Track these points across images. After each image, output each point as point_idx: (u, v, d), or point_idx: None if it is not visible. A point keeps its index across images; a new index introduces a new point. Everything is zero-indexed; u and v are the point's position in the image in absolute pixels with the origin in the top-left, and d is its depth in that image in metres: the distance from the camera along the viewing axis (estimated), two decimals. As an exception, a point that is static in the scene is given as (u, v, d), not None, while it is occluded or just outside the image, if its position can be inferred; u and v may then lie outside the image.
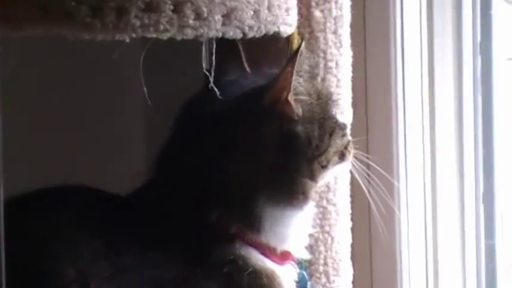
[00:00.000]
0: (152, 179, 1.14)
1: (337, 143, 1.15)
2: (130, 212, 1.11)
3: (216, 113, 1.13)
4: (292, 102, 1.11)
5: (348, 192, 1.36)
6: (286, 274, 1.15)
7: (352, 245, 1.37)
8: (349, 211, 1.37)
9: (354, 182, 1.33)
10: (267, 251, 1.13)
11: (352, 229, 1.36)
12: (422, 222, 1.53)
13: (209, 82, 1.11)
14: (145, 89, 1.08)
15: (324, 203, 1.31)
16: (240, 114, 1.12)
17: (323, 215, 1.32)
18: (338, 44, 1.31)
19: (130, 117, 1.66)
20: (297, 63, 1.10)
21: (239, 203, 1.11)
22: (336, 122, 1.16)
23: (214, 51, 1.12)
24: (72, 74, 1.66)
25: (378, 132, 1.52)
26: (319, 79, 1.30)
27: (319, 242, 1.31)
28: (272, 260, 1.13)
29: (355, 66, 1.36)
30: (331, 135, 1.14)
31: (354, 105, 1.37)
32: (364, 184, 1.20)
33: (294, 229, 1.14)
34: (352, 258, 1.37)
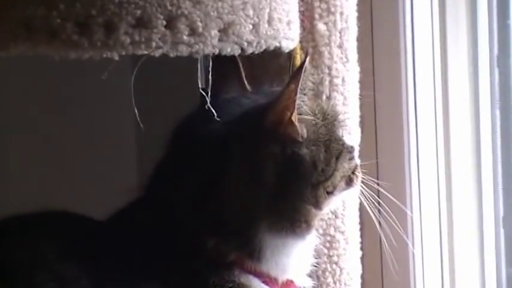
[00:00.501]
0: (143, 202, 1.13)
1: (344, 166, 1.14)
2: (118, 239, 1.09)
3: (213, 135, 1.11)
4: (296, 123, 1.10)
5: (357, 219, 1.35)
6: None
7: (363, 276, 1.36)
8: (359, 239, 1.35)
9: (363, 208, 1.32)
10: (268, 280, 1.11)
11: (362, 259, 1.35)
12: (438, 253, 1.51)
13: (206, 102, 1.10)
14: (136, 110, 1.07)
15: (332, 230, 1.30)
16: (238, 136, 1.10)
17: (330, 243, 1.31)
18: (344, 59, 1.31)
19: (121, 139, 1.69)
20: (301, 80, 1.08)
21: (238, 230, 1.09)
22: (343, 144, 1.15)
23: (210, 68, 1.11)
24: (59, 95, 1.73)
25: (388, 154, 1.51)
26: (324, 97, 1.29)
27: (327, 273, 1.30)
28: None
29: (362, 82, 1.35)
30: (337, 158, 1.13)
31: (362, 125, 1.36)
32: (373, 213, 1.19)
33: (295, 258, 1.13)
34: (363, 289, 1.37)
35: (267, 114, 1.10)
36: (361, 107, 1.35)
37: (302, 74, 1.08)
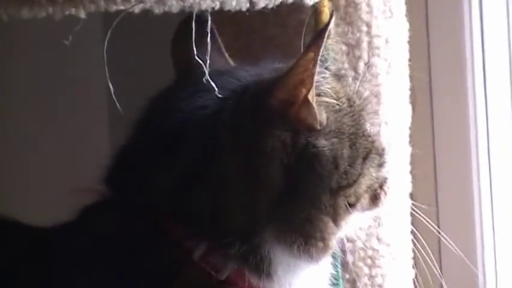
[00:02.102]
0: (101, 202, 1.10)
1: (371, 173, 1.08)
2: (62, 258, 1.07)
3: (200, 114, 1.07)
4: (315, 105, 1.04)
5: (408, 227, 1.30)
6: None
7: None
8: (411, 254, 1.31)
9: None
10: None
11: (415, 280, 1.32)
12: None
13: (191, 72, 1.08)
14: (110, 84, 1.05)
15: (374, 242, 1.28)
16: (234, 118, 1.05)
17: (372, 260, 1.28)
18: (388, 13, 1.28)
19: (93, 114, 1.73)
20: (323, 47, 1.01)
21: (237, 235, 1.04)
22: (373, 142, 1.09)
23: (208, 29, 1.08)
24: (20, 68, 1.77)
25: (450, 141, 1.49)
26: (362, 63, 1.26)
27: None
28: None
29: (413, 45, 1.32)
30: (365, 159, 1.07)
31: (414, 101, 1.34)
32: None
33: (309, 281, 1.10)
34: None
35: (275, 90, 1.04)
36: (412, 77, 1.32)
37: (325, 38, 1.02)
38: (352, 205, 1.07)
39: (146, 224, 1.05)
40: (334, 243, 1.07)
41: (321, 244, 1.05)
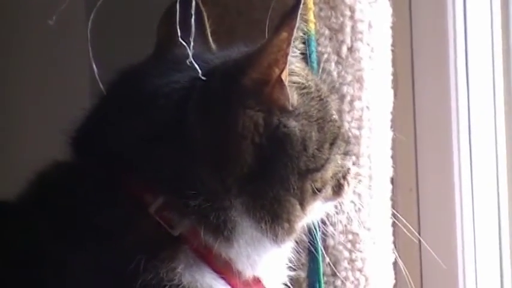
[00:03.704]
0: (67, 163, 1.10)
1: (337, 160, 1.09)
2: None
3: (171, 87, 1.06)
4: (287, 85, 1.04)
5: (389, 211, 1.31)
6: None
7: (396, 287, 1.34)
8: (391, 238, 1.32)
9: (396, 195, 1.35)
10: (229, 275, 1.06)
11: (395, 264, 1.32)
12: (497, 252, 1.48)
13: (168, 52, 1.09)
14: (94, 66, 1.06)
15: (355, 226, 1.27)
16: (205, 95, 1.04)
17: (353, 244, 1.28)
18: None
19: (75, 94, 1.67)
20: (296, 27, 1.01)
21: (201, 193, 1.03)
22: (340, 128, 1.11)
23: (193, 11, 1.06)
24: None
25: (429, 125, 1.49)
26: (345, 48, 1.26)
27: (348, 284, 1.27)
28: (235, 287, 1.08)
29: (396, 30, 1.32)
30: (332, 144, 1.08)
31: (396, 86, 1.34)
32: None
33: (268, 263, 1.10)
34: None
35: (248, 69, 1.03)
36: (394, 62, 1.32)
37: (297, 18, 1.01)
38: (318, 190, 1.06)
39: (108, 180, 1.04)
40: (299, 226, 1.08)
41: (286, 225, 1.05)
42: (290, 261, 1.15)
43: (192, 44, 1.05)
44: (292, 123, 1.05)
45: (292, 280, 1.17)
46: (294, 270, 1.17)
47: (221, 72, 1.05)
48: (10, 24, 1.75)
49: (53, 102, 1.76)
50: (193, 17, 1.06)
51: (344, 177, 1.11)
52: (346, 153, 1.12)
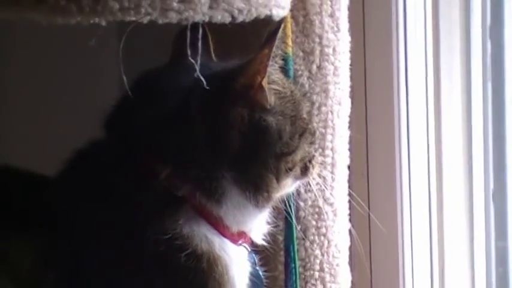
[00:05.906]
0: (99, 141, 1.16)
1: (304, 148, 1.18)
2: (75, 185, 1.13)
3: (180, 85, 1.14)
4: (267, 89, 1.13)
5: (346, 191, 1.36)
6: (237, 255, 1.16)
7: (351, 249, 1.37)
8: (347, 211, 1.37)
9: (352, 178, 1.39)
10: (221, 227, 1.15)
11: (350, 231, 1.36)
12: (427, 223, 1.54)
13: (179, 62, 1.14)
14: (125, 78, 1.09)
15: (320, 202, 1.32)
16: (206, 93, 1.12)
17: (319, 215, 1.32)
18: (335, 28, 1.32)
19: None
20: (274, 46, 1.11)
21: (199, 164, 1.11)
22: (308, 124, 1.19)
23: (200, 36, 1.11)
24: (46, 62, 1.74)
25: (378, 126, 1.52)
26: (314, 66, 1.31)
27: (315, 245, 1.32)
28: (224, 236, 1.15)
29: (353, 52, 1.36)
30: (301, 136, 1.17)
31: (352, 96, 1.38)
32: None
33: (251, 222, 1.18)
34: (351, 262, 1.38)
35: (238, 76, 1.13)
36: (352, 77, 1.36)
37: (276, 39, 1.11)
38: (289, 169, 1.16)
39: (130, 153, 1.12)
40: (275, 196, 1.17)
41: (266, 194, 1.15)
42: (268, 222, 1.22)
43: (199, 61, 1.09)
44: (270, 118, 1.14)
45: (271, 235, 1.22)
46: (273, 227, 1.23)
47: (218, 78, 1.13)
48: (55, 46, 1.68)
49: (85, 101, 1.65)
50: (200, 41, 1.10)
51: (310, 161, 1.19)
52: (311, 143, 1.20)
